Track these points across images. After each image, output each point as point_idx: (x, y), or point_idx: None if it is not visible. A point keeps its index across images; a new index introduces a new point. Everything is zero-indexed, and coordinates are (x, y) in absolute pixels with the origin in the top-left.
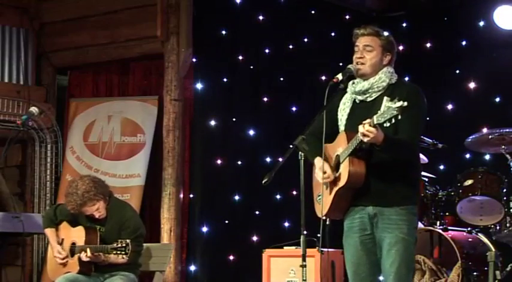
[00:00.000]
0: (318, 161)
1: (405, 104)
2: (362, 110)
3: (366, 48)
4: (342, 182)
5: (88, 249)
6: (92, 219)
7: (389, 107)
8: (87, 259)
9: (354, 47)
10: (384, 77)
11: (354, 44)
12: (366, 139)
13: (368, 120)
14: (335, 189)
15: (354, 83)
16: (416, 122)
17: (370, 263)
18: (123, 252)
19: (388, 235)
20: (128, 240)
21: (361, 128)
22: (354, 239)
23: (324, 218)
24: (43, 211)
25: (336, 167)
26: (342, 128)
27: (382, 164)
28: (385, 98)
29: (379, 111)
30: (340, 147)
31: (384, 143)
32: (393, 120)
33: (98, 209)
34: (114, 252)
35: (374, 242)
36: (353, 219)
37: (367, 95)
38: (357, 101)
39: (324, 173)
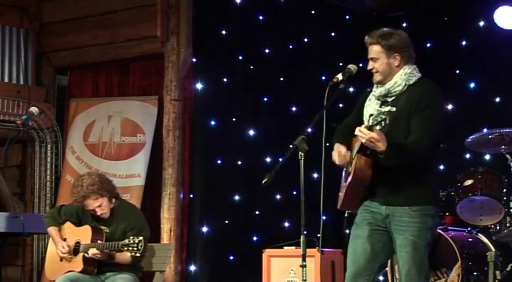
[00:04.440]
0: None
1: (393, 109)
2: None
3: (372, 59)
4: (350, 177)
5: (94, 248)
6: (97, 220)
7: (379, 110)
8: (95, 255)
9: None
10: (400, 80)
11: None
12: (362, 140)
13: (365, 124)
14: (347, 182)
15: (377, 86)
16: (428, 124)
17: (373, 258)
18: (135, 249)
19: (399, 237)
20: (140, 237)
21: (356, 131)
22: (364, 230)
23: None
24: (43, 211)
25: (350, 162)
26: (365, 123)
27: (392, 165)
28: (376, 101)
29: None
30: (356, 143)
31: (386, 149)
32: (383, 123)
33: (100, 206)
34: (126, 248)
35: (382, 239)
36: (366, 212)
37: (387, 97)
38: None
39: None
